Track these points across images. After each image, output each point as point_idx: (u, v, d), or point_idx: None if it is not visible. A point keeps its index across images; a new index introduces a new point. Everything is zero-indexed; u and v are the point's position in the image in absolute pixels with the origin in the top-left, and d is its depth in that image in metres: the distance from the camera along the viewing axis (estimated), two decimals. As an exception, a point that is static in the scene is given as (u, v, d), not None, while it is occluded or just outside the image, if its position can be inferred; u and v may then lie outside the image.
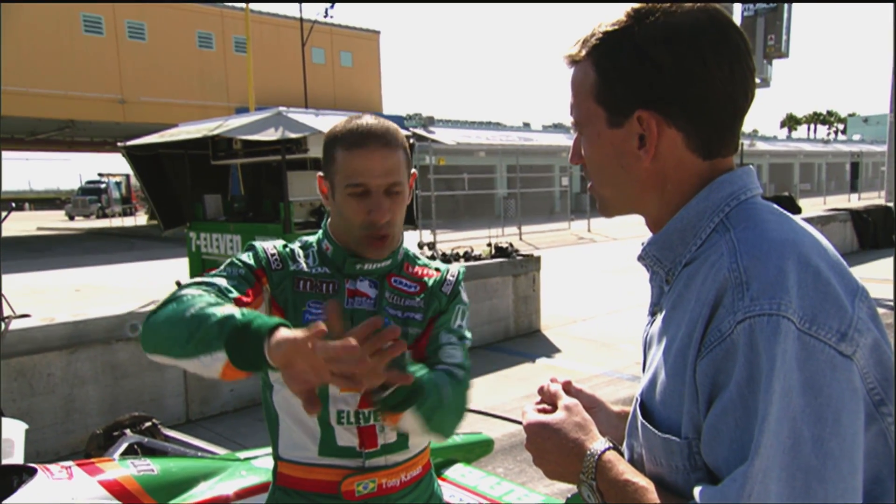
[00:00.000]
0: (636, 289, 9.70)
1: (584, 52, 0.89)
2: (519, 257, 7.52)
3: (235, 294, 1.29)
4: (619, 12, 0.86)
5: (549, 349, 7.01)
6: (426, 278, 1.49)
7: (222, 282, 1.31)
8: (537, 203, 25.48)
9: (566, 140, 31.87)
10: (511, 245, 7.70)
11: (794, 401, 0.69)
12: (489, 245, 7.87)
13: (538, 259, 7.75)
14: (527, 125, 36.71)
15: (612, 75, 0.85)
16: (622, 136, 0.87)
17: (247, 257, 1.41)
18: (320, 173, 1.44)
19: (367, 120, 1.38)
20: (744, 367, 0.71)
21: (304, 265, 1.42)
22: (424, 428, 1.25)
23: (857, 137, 61.24)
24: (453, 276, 1.51)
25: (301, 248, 1.47)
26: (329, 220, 1.48)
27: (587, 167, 0.94)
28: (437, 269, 1.52)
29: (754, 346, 0.70)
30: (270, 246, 1.43)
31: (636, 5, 0.85)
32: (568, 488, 3.72)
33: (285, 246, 1.45)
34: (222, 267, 1.39)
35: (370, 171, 1.34)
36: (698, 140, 0.84)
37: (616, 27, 0.85)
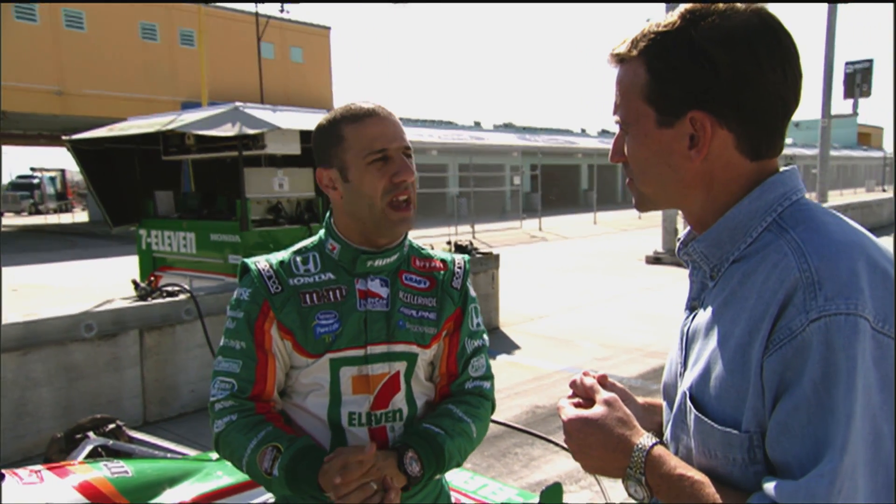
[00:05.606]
0: (592, 287, 9.91)
1: (634, 52, 0.89)
2: (478, 255, 7.57)
3: (251, 392, 1.36)
4: (671, 14, 0.87)
5: (509, 346, 7.09)
6: (434, 272, 1.48)
7: (235, 382, 1.37)
8: (489, 202, 25.67)
9: (516, 140, 32.24)
10: (471, 243, 7.74)
11: (873, 398, 0.72)
12: (449, 243, 7.88)
13: (497, 257, 7.84)
14: (478, 124, 36.86)
15: (666, 76, 0.86)
16: (672, 136, 0.87)
17: (242, 312, 1.37)
18: (319, 167, 1.40)
19: (359, 101, 1.40)
20: (818, 365, 0.72)
21: (305, 276, 1.39)
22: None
23: (789, 141, 64.01)
24: (460, 267, 1.51)
25: (298, 255, 1.42)
26: (333, 218, 1.44)
27: (630, 165, 0.94)
28: (443, 261, 1.51)
29: (831, 345, 0.72)
30: (265, 265, 1.39)
31: (689, 6, 0.86)
32: (540, 481, 3.79)
33: (281, 262, 1.41)
34: (224, 343, 1.38)
35: (386, 135, 1.35)
36: (748, 142, 0.86)
37: (669, 28, 0.86)
